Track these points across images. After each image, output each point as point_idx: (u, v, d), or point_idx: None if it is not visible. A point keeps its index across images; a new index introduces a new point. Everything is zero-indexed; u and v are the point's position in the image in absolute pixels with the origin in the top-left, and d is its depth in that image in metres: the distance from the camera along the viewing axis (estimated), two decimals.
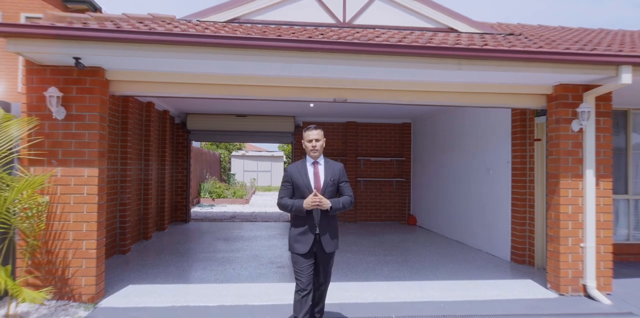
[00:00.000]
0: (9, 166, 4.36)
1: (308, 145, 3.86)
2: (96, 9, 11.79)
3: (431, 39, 5.25)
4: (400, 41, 4.82)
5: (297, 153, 11.82)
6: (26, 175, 4.37)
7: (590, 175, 5.34)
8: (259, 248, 8.12)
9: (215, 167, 22.98)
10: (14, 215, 4.20)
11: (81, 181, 4.74)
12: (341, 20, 6.45)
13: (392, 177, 12.15)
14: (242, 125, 11.47)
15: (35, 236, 4.37)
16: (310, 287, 3.76)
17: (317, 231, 3.76)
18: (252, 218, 12.99)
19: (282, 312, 4.51)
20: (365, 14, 6.49)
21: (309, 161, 3.91)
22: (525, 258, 6.87)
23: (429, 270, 6.49)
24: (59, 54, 4.34)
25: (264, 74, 5.16)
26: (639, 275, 6.33)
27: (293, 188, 3.85)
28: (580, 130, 5.39)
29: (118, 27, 4.44)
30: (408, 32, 6.08)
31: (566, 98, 5.42)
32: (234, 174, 26.93)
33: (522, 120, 6.90)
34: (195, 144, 17.18)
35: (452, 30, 6.53)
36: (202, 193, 17.96)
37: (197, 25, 5.44)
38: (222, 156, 26.74)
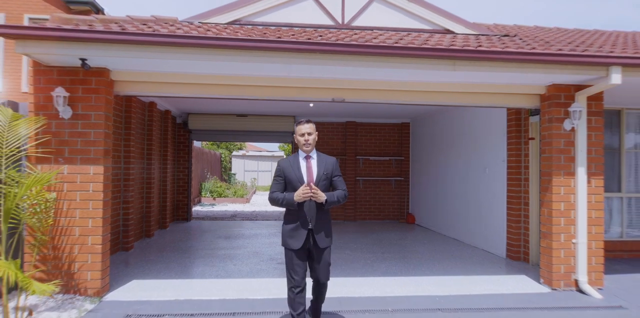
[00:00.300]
0: (17, 164, 4.50)
1: (300, 139, 3.81)
2: (98, 10, 11.94)
3: (427, 40, 5.39)
4: (396, 43, 4.96)
5: None
6: (34, 172, 4.52)
7: (582, 173, 5.48)
8: (260, 245, 8.27)
9: (216, 167, 23.12)
10: (23, 210, 4.35)
11: (87, 178, 4.89)
12: (340, 21, 6.60)
13: (391, 176, 12.30)
14: (242, 125, 11.62)
15: (43, 231, 4.51)
16: (304, 283, 3.78)
17: (310, 226, 3.74)
18: (252, 217, 13.13)
19: (282, 305, 4.64)
20: (364, 16, 6.64)
21: (301, 155, 3.86)
22: (520, 254, 7.01)
23: (426, 267, 6.63)
24: (66, 55, 4.49)
25: (264, 74, 5.31)
26: (631, 271, 6.47)
27: (285, 182, 3.82)
28: (572, 129, 5.53)
29: (123, 29, 4.59)
30: (405, 33, 6.22)
31: (559, 98, 5.56)
32: (234, 174, 27.07)
33: (517, 119, 7.04)
34: (196, 144, 17.34)
35: (449, 31, 6.68)
36: (203, 193, 18.11)
37: (199, 27, 5.58)
38: (222, 156, 26.88)
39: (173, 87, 5.38)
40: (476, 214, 8.39)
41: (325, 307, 4.36)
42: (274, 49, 4.62)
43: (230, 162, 30.04)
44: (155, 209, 9.51)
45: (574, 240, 5.48)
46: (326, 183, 3.81)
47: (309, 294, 3.95)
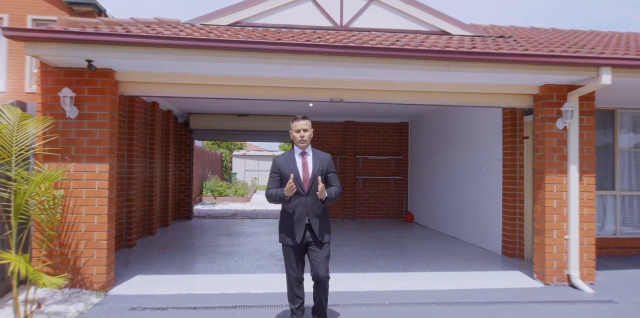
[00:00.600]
0: (26, 162, 4.65)
1: (296, 136, 3.81)
2: (101, 11, 12.07)
3: (423, 42, 5.54)
4: (392, 44, 5.11)
5: None
6: (43, 170, 4.67)
7: (574, 170, 5.63)
8: (260, 243, 8.42)
9: (216, 166, 23.28)
10: (32, 207, 4.50)
11: (93, 176, 5.05)
12: (338, 23, 6.74)
13: (390, 175, 12.45)
14: (243, 124, 11.77)
15: (51, 227, 4.66)
16: (302, 278, 3.89)
17: (307, 222, 3.75)
18: (253, 215, 13.29)
19: (283, 299, 4.78)
20: (362, 18, 6.78)
21: (297, 151, 3.87)
22: (515, 251, 7.16)
23: (422, 263, 6.78)
24: (73, 56, 4.65)
25: (265, 75, 5.46)
26: (623, 268, 6.61)
27: (281, 179, 3.82)
28: (565, 128, 5.68)
29: (127, 32, 4.74)
30: (402, 35, 6.37)
31: (551, 98, 5.71)
32: (235, 173, 27.24)
33: (512, 119, 7.19)
34: (197, 143, 17.48)
35: (445, 33, 6.82)
36: (204, 192, 18.27)
37: (201, 29, 5.73)
38: (223, 155, 27.02)
39: (175, 87, 5.54)
40: (472, 212, 8.54)
41: None
42: (273, 50, 4.77)
43: (231, 162, 30.20)
44: (157, 207, 9.66)
45: (566, 237, 5.63)
46: (321, 179, 3.79)
47: (308, 289, 4.03)
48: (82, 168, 5.04)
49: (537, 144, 5.89)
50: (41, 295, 4.72)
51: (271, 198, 3.84)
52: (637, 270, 6.44)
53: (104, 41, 4.53)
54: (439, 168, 10.32)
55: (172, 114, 10.80)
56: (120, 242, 7.50)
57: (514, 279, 5.87)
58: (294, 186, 3.64)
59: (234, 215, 13.32)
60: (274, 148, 36.80)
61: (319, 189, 3.65)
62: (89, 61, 4.76)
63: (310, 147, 3.92)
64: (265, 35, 5.30)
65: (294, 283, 3.91)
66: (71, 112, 4.98)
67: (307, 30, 6.36)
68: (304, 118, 3.84)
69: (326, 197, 3.76)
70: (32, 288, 4.27)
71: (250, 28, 6.33)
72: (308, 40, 5.00)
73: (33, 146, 4.85)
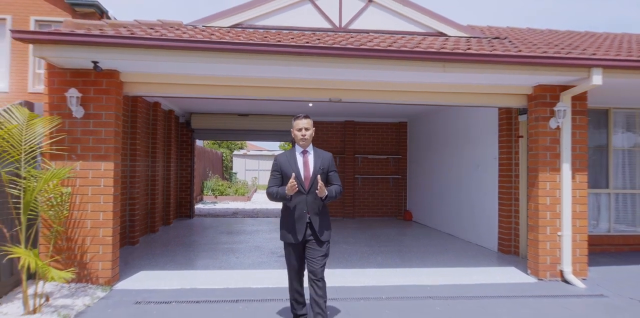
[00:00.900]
0: (34, 161, 4.79)
1: (298, 134, 3.83)
2: (103, 12, 12.21)
3: (419, 43, 5.68)
4: (390, 46, 5.25)
5: None
6: (50, 168, 4.82)
7: (566, 169, 5.77)
8: (261, 240, 8.57)
9: (217, 166, 23.43)
10: (40, 204, 4.65)
11: (98, 174, 5.20)
12: (337, 25, 6.89)
13: (388, 174, 12.60)
14: (244, 124, 11.91)
15: (59, 223, 4.81)
16: (303, 273, 3.98)
17: (308, 220, 3.78)
18: (253, 214, 13.44)
19: (283, 294, 4.92)
20: (360, 19, 6.93)
21: (298, 150, 3.90)
22: (511, 248, 7.30)
23: (420, 260, 6.93)
24: (80, 58, 4.80)
25: (265, 75, 5.61)
26: (615, 264, 6.76)
27: (282, 177, 3.84)
28: (558, 128, 5.82)
29: (132, 34, 4.89)
30: (399, 36, 6.52)
31: (544, 98, 5.86)
32: (235, 173, 27.39)
33: (508, 118, 7.33)
34: (198, 143, 17.64)
35: (442, 34, 6.97)
36: (205, 191, 18.42)
37: (203, 31, 5.88)
38: (224, 155, 27.18)
39: (178, 87, 5.69)
40: (469, 210, 8.69)
41: None
42: (274, 52, 4.92)
43: (232, 161, 30.35)
44: (159, 206, 9.81)
45: (559, 233, 5.78)
46: (322, 178, 3.81)
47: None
48: (88, 166, 5.19)
49: (531, 142, 6.04)
50: (49, 289, 4.86)
51: (272, 196, 3.87)
52: (629, 266, 6.59)
53: (110, 43, 4.68)
54: (437, 167, 10.47)
55: (173, 113, 10.95)
56: (123, 239, 7.65)
57: (509, 275, 6.02)
58: (296, 185, 3.68)
59: (235, 213, 13.47)
60: (274, 148, 36.97)
61: (319, 187, 3.68)
62: (95, 62, 4.91)
63: (311, 145, 3.94)
64: (266, 37, 5.45)
65: (295, 280, 4.02)
66: (77, 111, 5.13)
67: (307, 32, 6.51)
68: (306, 117, 3.85)
69: (326, 196, 3.79)
70: (41, 283, 4.42)
71: (252, 30, 6.48)
72: (307, 42, 5.15)
73: (40, 145, 5.00)
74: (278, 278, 5.56)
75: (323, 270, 3.84)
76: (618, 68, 5.31)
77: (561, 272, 5.76)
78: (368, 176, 12.50)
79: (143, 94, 5.77)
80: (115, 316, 4.30)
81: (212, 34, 5.46)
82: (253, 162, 32.35)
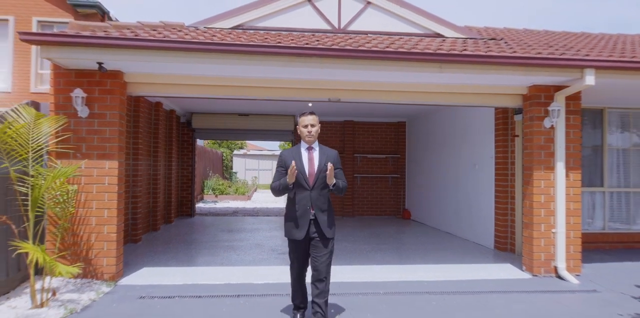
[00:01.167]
0: (40, 159, 4.92)
1: (303, 131, 3.84)
2: (104, 13, 12.33)
3: (416, 44, 5.81)
4: (387, 47, 5.38)
5: None
6: (57, 166, 4.94)
7: (560, 167, 5.90)
8: (261, 238, 8.70)
9: (217, 165, 23.56)
10: (47, 201, 4.78)
11: (103, 172, 5.32)
12: (336, 26, 7.01)
13: (387, 174, 12.72)
14: (244, 124, 12.03)
15: (65, 219, 4.94)
16: (306, 269, 4.05)
17: (312, 216, 3.81)
18: (254, 213, 13.56)
19: (283, 289, 5.05)
20: (359, 21, 7.06)
21: (303, 146, 3.91)
22: (507, 245, 7.43)
23: (417, 257, 7.05)
24: (85, 59, 4.93)
25: (265, 76, 5.73)
26: (609, 260, 6.89)
27: (287, 173, 3.80)
28: (552, 127, 5.95)
29: (136, 35, 5.01)
30: (397, 37, 6.64)
31: (539, 98, 5.98)
32: (235, 172, 27.51)
33: (504, 118, 7.46)
34: (198, 143, 17.76)
35: (439, 35, 7.09)
36: (205, 190, 18.54)
37: (205, 32, 6.00)
38: (224, 155, 27.31)
39: (180, 88, 5.81)
40: (467, 208, 8.81)
41: None
42: (274, 53, 5.04)
43: (232, 161, 30.47)
44: (161, 204, 9.94)
45: (553, 230, 5.90)
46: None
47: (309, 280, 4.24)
48: (93, 165, 5.32)
49: (525, 141, 6.17)
50: (55, 284, 4.98)
51: (276, 189, 3.88)
52: (622, 263, 6.72)
53: (115, 45, 4.80)
54: (435, 166, 10.60)
55: (175, 113, 11.07)
56: (126, 236, 7.77)
57: (504, 271, 6.14)
58: (296, 170, 3.67)
59: (235, 212, 13.59)
60: (274, 147, 37.11)
61: (327, 172, 3.66)
62: (100, 63, 5.03)
63: (317, 142, 3.96)
64: (266, 38, 5.57)
65: (298, 275, 4.09)
66: (82, 111, 5.25)
67: (307, 33, 6.63)
68: (312, 113, 3.86)
69: (334, 184, 3.80)
70: (48, 278, 4.54)
71: (252, 31, 6.60)
72: (307, 43, 5.27)
73: (47, 144, 5.12)
74: (279, 274, 5.68)
75: (328, 270, 3.88)
76: (610, 69, 5.43)
77: (555, 268, 5.88)
78: (367, 175, 12.63)
79: (146, 94, 5.89)
80: (121, 310, 4.43)
81: (214, 36, 5.58)
82: (253, 162, 32.47)
